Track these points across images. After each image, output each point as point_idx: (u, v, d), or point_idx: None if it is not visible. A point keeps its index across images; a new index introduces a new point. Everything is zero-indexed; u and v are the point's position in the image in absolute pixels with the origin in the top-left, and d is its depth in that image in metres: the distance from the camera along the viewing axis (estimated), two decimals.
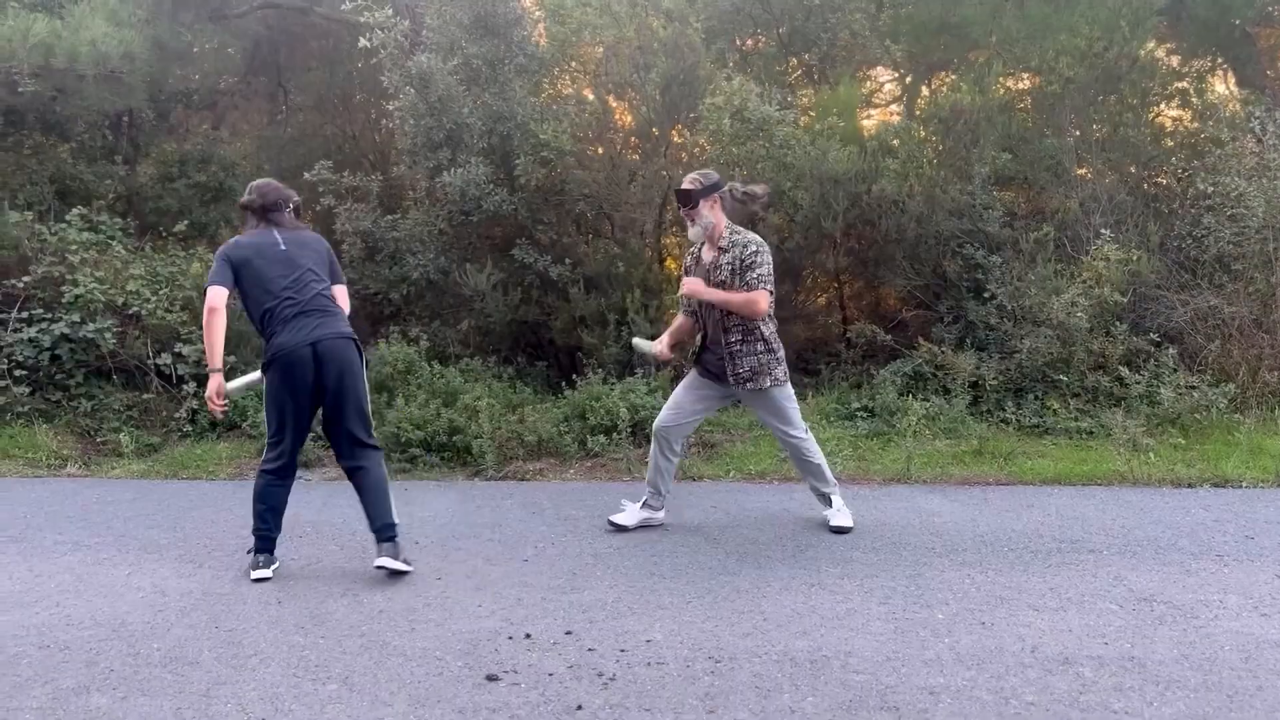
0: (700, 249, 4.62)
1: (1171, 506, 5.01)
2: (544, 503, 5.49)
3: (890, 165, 7.75)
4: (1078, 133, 8.58)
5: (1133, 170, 8.58)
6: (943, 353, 7.35)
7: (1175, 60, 10.15)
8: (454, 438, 6.53)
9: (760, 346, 4.47)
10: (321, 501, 5.62)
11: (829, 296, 9.13)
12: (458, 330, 8.14)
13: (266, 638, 3.49)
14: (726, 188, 4.56)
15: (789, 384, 4.62)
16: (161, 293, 7.70)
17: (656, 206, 8.00)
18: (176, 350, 7.54)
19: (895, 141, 8.15)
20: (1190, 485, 5.48)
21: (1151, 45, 9.28)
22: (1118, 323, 7.13)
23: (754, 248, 4.39)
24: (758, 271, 4.35)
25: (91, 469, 6.72)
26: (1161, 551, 4.26)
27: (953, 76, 9.26)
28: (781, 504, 5.33)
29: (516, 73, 8.10)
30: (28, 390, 7.39)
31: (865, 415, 7.11)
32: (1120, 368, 6.86)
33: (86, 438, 7.26)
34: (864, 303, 9.09)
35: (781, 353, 4.57)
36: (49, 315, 7.53)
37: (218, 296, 4.09)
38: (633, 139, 8.40)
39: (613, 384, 7.04)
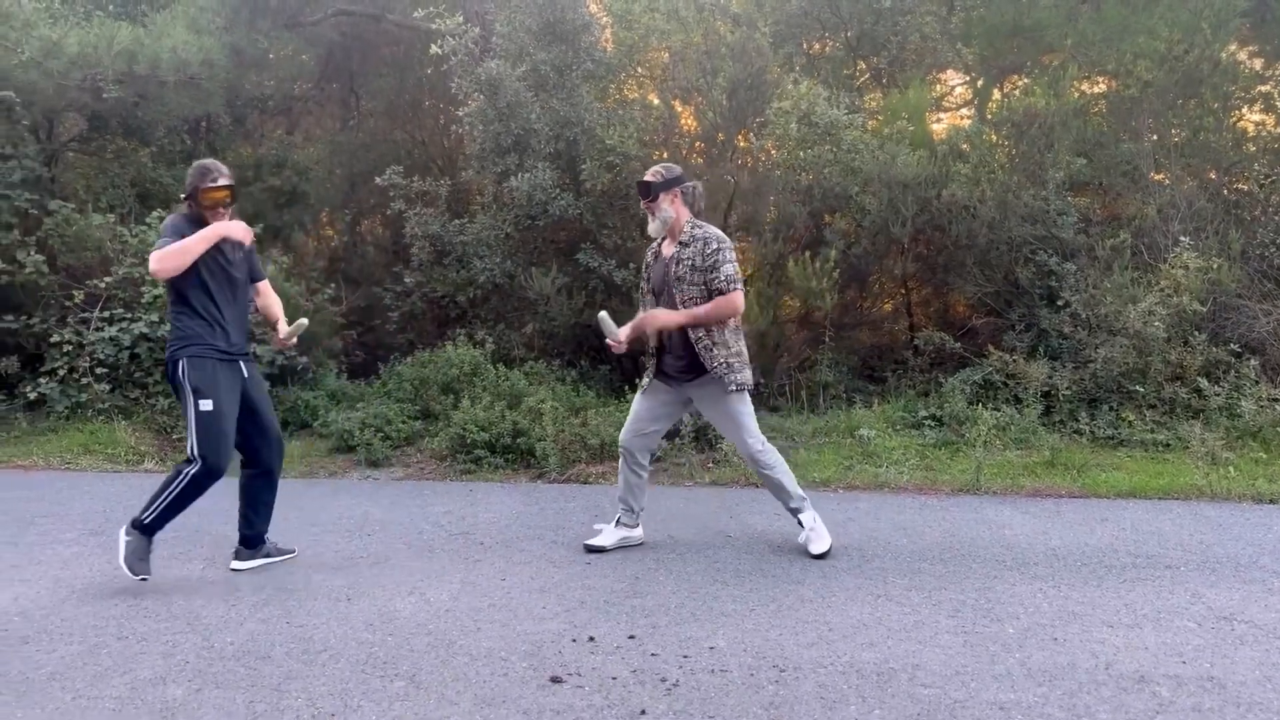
0: (660, 244, 4.48)
1: (1252, 523, 4.84)
2: (606, 506, 5.50)
3: (961, 170, 7.63)
4: (1155, 137, 8.36)
5: (1213, 176, 8.33)
6: (1014, 361, 7.21)
7: (1259, 63, 9.84)
8: (518, 440, 6.59)
9: (725, 350, 4.29)
10: (390, 501, 5.71)
11: (896, 303, 9.02)
12: (522, 333, 8.21)
13: (336, 634, 3.56)
14: (690, 184, 4.40)
15: (748, 396, 4.42)
16: None
17: (722, 211, 7.98)
18: (251, 351, 7.72)
19: (966, 146, 8.02)
20: (1272, 501, 5.30)
21: (1234, 48, 9.01)
22: (1196, 333, 6.92)
23: (715, 244, 4.22)
24: (724, 271, 4.19)
25: (167, 464, 6.91)
26: (1242, 569, 4.12)
27: (1025, 80, 9.09)
28: (846, 513, 5.27)
29: (584, 78, 8.15)
30: (108, 388, 7.64)
31: (933, 424, 7.00)
32: (1199, 379, 6.66)
33: (163, 434, 7.48)
34: (932, 309, 8.96)
35: (746, 358, 4.39)
36: (129, 315, 7.77)
37: None
38: (698, 144, 8.40)
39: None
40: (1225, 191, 8.14)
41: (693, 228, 4.31)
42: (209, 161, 4.18)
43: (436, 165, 10.40)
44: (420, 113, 11.22)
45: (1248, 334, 6.98)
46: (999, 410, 6.87)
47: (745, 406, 4.41)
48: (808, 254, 7.66)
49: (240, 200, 9.61)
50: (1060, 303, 7.40)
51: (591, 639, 3.47)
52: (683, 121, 8.21)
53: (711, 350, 4.28)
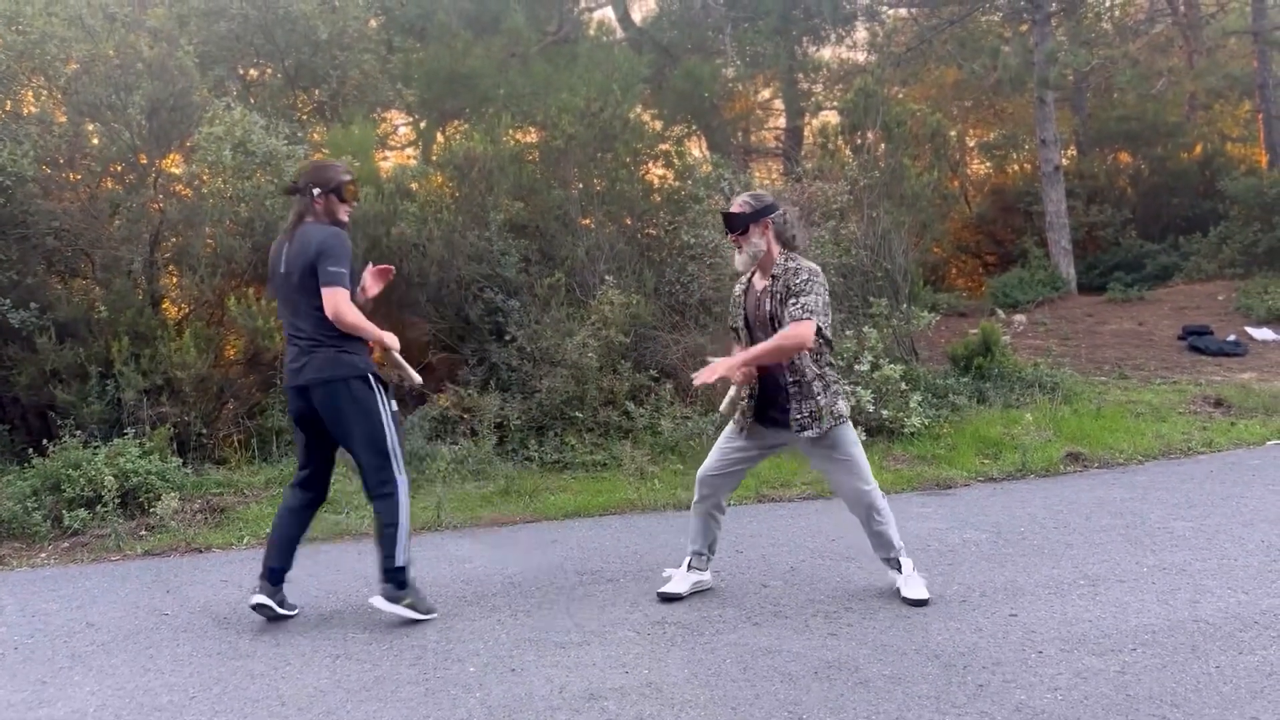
0: (752, 277, 4.13)
1: (675, 529, 5.45)
2: (4, 597, 4.52)
3: (409, 208, 7.69)
4: (580, 185, 9.22)
5: (629, 222, 9.41)
6: (469, 395, 7.40)
7: (658, 124, 11.41)
8: None
9: (817, 386, 3.98)
10: None
11: None
12: None
13: None
14: (781, 211, 4.08)
15: (851, 424, 4.14)
16: None
17: (146, 243, 7.10)
18: None
19: (414, 185, 8.12)
20: (689, 508, 6.01)
21: (639, 110, 10.33)
22: (623, 361, 7.71)
23: (805, 275, 3.90)
24: (803, 300, 3.84)
25: None
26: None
27: (466, 125, 9.50)
28: (302, 568, 4.90)
29: None
30: None
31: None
32: (627, 402, 7.41)
33: None
34: None
35: (839, 387, 4.10)
36: None
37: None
38: (115, 166, 7.40)
39: (96, 447, 6.06)
40: (639, 236, 9.24)
41: (786, 260, 3.99)
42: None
43: None
44: None
45: (663, 360, 7.95)
46: (457, 444, 6.99)
47: (854, 443, 4.08)
48: (251, 291, 7.12)
49: None
50: (508, 337, 7.78)
51: None
52: (94, 141, 7.17)
53: (811, 389, 3.96)
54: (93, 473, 5.71)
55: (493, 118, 8.90)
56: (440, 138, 10.53)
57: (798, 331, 3.81)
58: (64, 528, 5.58)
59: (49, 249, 7.20)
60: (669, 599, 4.17)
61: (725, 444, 4.29)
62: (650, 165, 10.34)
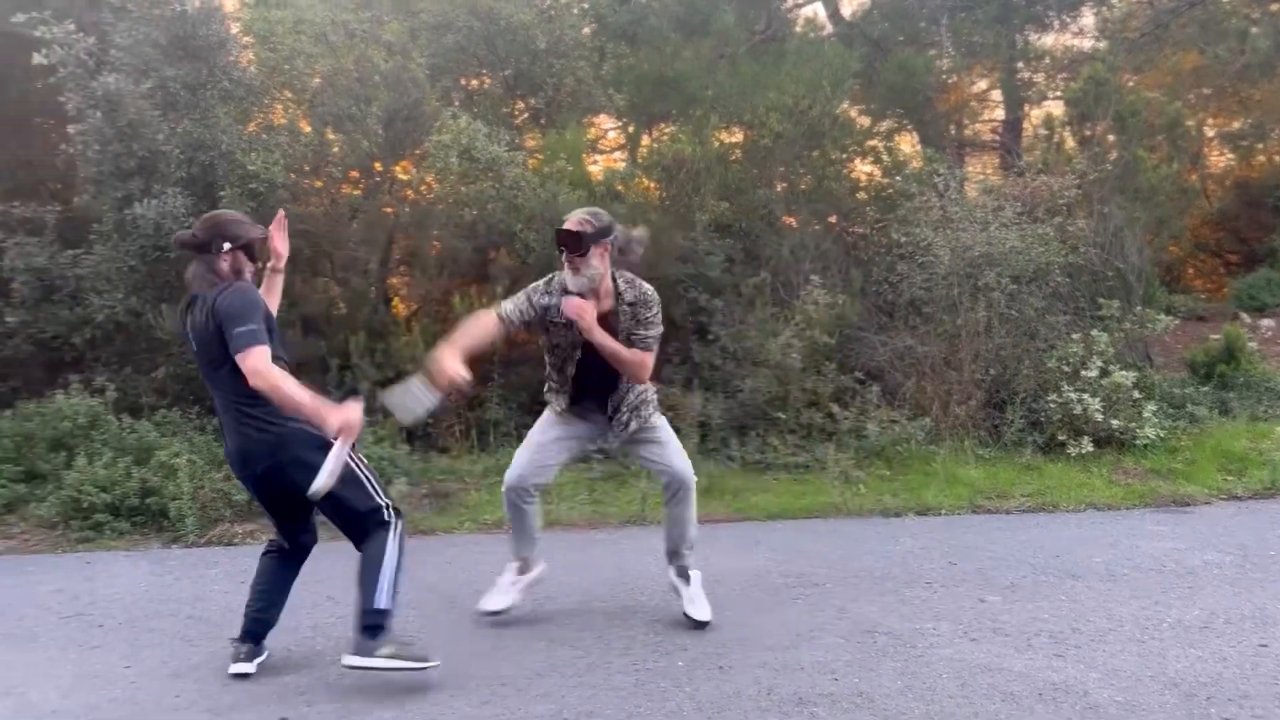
0: (586, 297, 3.83)
1: (882, 536, 5.32)
2: (254, 570, 4.97)
3: (619, 210, 7.86)
4: (785, 184, 9.14)
5: (833, 220, 9.24)
6: (671, 393, 7.50)
7: (867, 120, 11.14)
8: (147, 500, 5.81)
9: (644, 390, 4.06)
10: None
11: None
12: (152, 378, 7.30)
13: None
14: (619, 232, 3.90)
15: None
16: None
17: (381, 245, 7.64)
18: None
19: (621, 187, 8.30)
20: (897, 514, 5.87)
21: (847, 105, 10.12)
22: (827, 362, 7.58)
23: (656, 308, 3.89)
24: (654, 332, 3.88)
25: None
26: (878, 581, 4.48)
27: (672, 127, 9.61)
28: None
29: (221, 99, 7.47)
30: None
31: (600, 458, 7.09)
32: (831, 404, 7.29)
33: None
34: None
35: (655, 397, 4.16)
36: None
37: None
38: (353, 173, 7.99)
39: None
40: (846, 234, 9.06)
41: (626, 283, 3.88)
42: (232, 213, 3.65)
43: (47, 189, 9.08)
44: (26, 130, 9.77)
45: (869, 362, 7.76)
46: None
47: (666, 424, 4.17)
48: (474, 290, 7.51)
49: None
50: (711, 337, 7.83)
51: None
52: (335, 150, 7.76)
53: (640, 393, 4.01)
54: None
55: (700, 119, 8.96)
56: (646, 140, 10.72)
57: (649, 360, 3.89)
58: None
59: (294, 250, 7.85)
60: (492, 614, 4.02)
61: (542, 439, 4.10)
62: (857, 162, 10.13)
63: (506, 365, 8.15)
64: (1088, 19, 15.01)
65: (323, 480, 3.21)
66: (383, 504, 3.50)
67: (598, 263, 3.78)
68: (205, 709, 3.21)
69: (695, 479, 4.08)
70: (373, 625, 3.31)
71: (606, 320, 3.80)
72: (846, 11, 13.88)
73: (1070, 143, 9.80)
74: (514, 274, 7.97)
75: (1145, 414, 7.03)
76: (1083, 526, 5.52)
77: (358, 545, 3.48)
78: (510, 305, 3.94)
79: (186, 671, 3.55)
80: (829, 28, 13.19)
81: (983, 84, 16.58)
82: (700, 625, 3.92)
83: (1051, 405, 7.11)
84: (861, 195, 9.59)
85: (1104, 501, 6.06)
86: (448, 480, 6.70)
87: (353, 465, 3.42)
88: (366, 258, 7.66)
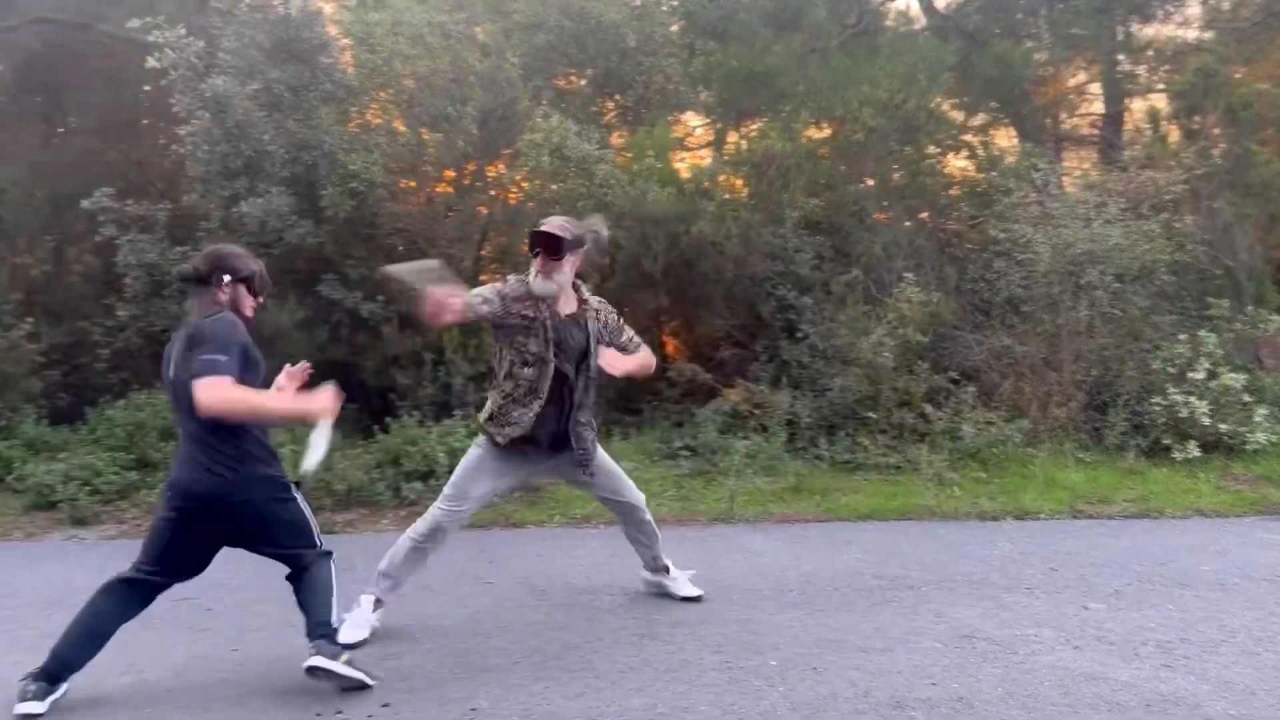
0: (550, 302, 3.81)
1: (979, 540, 5.21)
2: (355, 558, 5.08)
3: (708, 207, 7.85)
4: (872, 181, 9.00)
5: (924, 216, 9.07)
6: (759, 391, 7.46)
7: (960, 115, 10.89)
8: None
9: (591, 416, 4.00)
10: (99, 565, 5.00)
11: (648, 337, 9.11)
12: None
13: None
14: (590, 240, 3.96)
15: None
16: None
17: (475, 242, 7.76)
18: None
19: (708, 184, 8.28)
20: (994, 518, 5.74)
21: (940, 99, 9.91)
22: (920, 361, 7.45)
23: (615, 313, 4.05)
24: (628, 331, 4.02)
25: None
26: (975, 586, 4.39)
27: (761, 123, 9.55)
28: (609, 549, 5.17)
29: (322, 100, 7.69)
30: None
31: (687, 454, 7.10)
32: (924, 404, 7.16)
33: None
34: (682, 342, 9.15)
35: None
36: None
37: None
38: (448, 172, 8.14)
39: (430, 426, 6.71)
40: (940, 231, 8.89)
41: (583, 290, 3.95)
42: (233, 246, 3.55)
43: (156, 188, 9.47)
44: (137, 131, 10.20)
45: (964, 361, 7.60)
46: (747, 439, 7.07)
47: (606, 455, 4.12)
48: None
49: None
50: (799, 335, 7.76)
51: (340, 712, 3.14)
52: (431, 150, 7.91)
53: (592, 423, 3.98)
54: (427, 449, 6.33)
55: (790, 114, 8.89)
56: (734, 137, 10.67)
57: (652, 361, 4.01)
58: (402, 497, 6.21)
59: (391, 247, 8.05)
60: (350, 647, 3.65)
61: (476, 478, 3.92)
62: (950, 157, 9.92)
63: None
64: (1194, 9, 14.41)
65: (314, 460, 3.30)
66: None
67: (569, 270, 3.83)
68: (309, 693, 3.30)
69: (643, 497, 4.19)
70: (331, 636, 3.30)
71: (575, 321, 3.86)
72: (940, 4, 13.59)
73: (1175, 136, 9.44)
74: (602, 271, 8.02)
75: (1256, 418, 6.76)
76: (1189, 533, 5.33)
77: (299, 572, 3.39)
78: (479, 295, 3.79)
79: (290, 656, 3.65)
80: (922, 20, 12.94)
81: (1081, 76, 16.08)
82: (697, 599, 4.17)
83: (1156, 408, 6.87)
84: (955, 191, 9.39)
85: (1211, 508, 5.84)
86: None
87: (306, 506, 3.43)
88: (460, 255, 7.79)
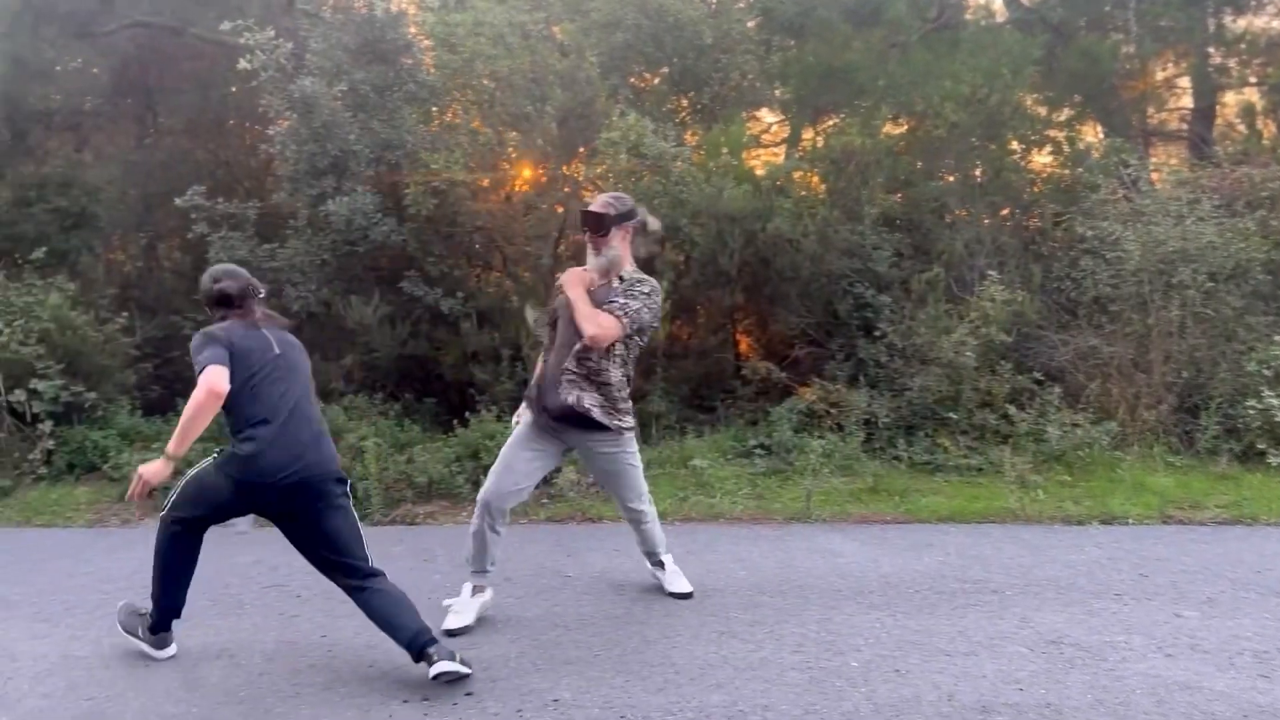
0: (603, 275, 3.92)
1: (1065, 544, 5.09)
2: (436, 549, 5.21)
3: (785, 204, 7.80)
4: (951, 176, 8.84)
5: (1005, 213, 8.88)
6: (836, 390, 7.39)
7: (1044, 109, 10.63)
8: None
9: (608, 391, 3.88)
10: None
11: (722, 335, 9.11)
12: (341, 365, 7.76)
13: (133, 707, 3.15)
14: (640, 218, 3.98)
15: (635, 443, 4.10)
16: (15, 324, 7.12)
17: (553, 240, 7.84)
18: (31, 386, 6.96)
19: (781, 181, 8.22)
20: (1080, 522, 5.59)
21: (1022, 94, 9.68)
22: (1003, 361, 7.30)
23: (649, 288, 3.87)
24: (633, 306, 3.80)
25: None
26: (1063, 591, 4.29)
27: (838, 119, 9.45)
28: (685, 546, 5.18)
29: (406, 100, 7.85)
30: None
31: (762, 453, 7.07)
32: (1007, 405, 7.01)
33: None
34: (756, 340, 9.11)
35: (630, 405, 4.01)
36: None
37: (220, 377, 3.34)
38: (526, 170, 8.24)
39: (507, 421, 6.79)
40: (1023, 228, 8.69)
41: (635, 272, 3.93)
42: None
43: (243, 187, 9.76)
44: (225, 131, 10.53)
45: (1049, 362, 7.42)
46: (823, 438, 7.00)
47: (634, 458, 4.07)
48: None
49: (22, 222, 8.74)
50: (877, 333, 7.66)
51: (426, 699, 3.21)
52: (511, 148, 8.02)
53: (585, 390, 3.82)
54: (505, 443, 6.39)
55: (869, 110, 8.79)
56: (809, 133, 10.58)
57: (610, 324, 3.74)
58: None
59: (470, 245, 8.18)
60: (454, 634, 3.82)
61: (515, 454, 4.02)
62: (1034, 152, 9.69)
63: (669, 359, 8.24)
64: None
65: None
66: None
67: (618, 244, 3.88)
68: (396, 680, 3.38)
69: (650, 509, 4.21)
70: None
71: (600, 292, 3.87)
72: None
73: (1271, 132, 9.10)
74: (678, 268, 8.03)
75: None
76: None
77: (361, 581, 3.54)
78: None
79: (378, 643, 3.74)
80: (1005, 14, 12.67)
81: (1171, 70, 15.57)
82: (686, 596, 4.20)
83: (1250, 411, 6.63)
84: (1038, 187, 9.18)
85: None
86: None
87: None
88: (537, 253, 7.88)
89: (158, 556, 3.57)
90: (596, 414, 3.85)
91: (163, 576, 3.57)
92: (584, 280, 3.89)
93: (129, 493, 3.44)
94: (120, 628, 3.69)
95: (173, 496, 3.57)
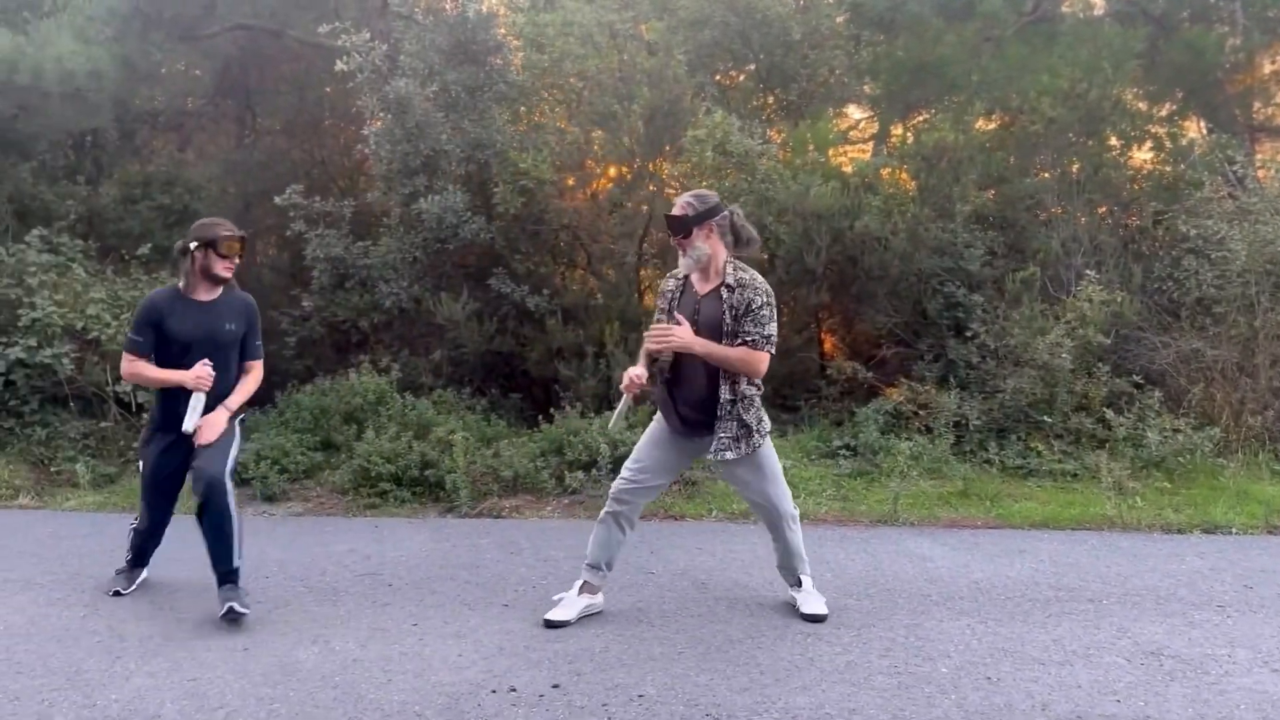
0: (690, 277, 3.92)
1: (1165, 553, 4.92)
2: (522, 542, 5.28)
3: (873, 202, 7.69)
4: (1047, 173, 8.60)
5: (1102, 211, 8.60)
6: (924, 391, 7.26)
7: (1144, 104, 10.26)
8: (426, 472, 6.30)
9: (753, 409, 3.85)
10: (288, 539, 5.36)
11: (807, 334, 9.02)
12: (430, 360, 7.93)
13: (233, 688, 3.26)
14: (725, 213, 3.89)
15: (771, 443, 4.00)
16: (123, 317, 7.43)
17: (637, 239, 7.88)
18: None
19: (869, 178, 8.10)
20: (1180, 531, 5.40)
21: (1123, 88, 9.37)
22: (1100, 364, 7.08)
23: (764, 299, 3.75)
24: (768, 330, 3.74)
25: (45, 500, 6.40)
26: (1162, 602, 4.15)
27: (929, 115, 9.28)
28: (769, 547, 5.15)
29: (496, 100, 7.97)
30: None
31: (847, 454, 6.98)
32: (1104, 409, 6.80)
33: (40, 467, 6.93)
34: (842, 339, 9.01)
35: (762, 410, 3.95)
36: (4, 339, 7.21)
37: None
38: (613, 169, 8.29)
39: (591, 418, 6.85)
40: (1123, 226, 8.41)
41: (736, 270, 3.81)
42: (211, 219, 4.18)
43: (338, 186, 10.04)
44: (321, 131, 10.84)
45: (1148, 365, 7.17)
46: (911, 440, 6.89)
47: (773, 454, 3.98)
48: None
49: (128, 219, 9.14)
50: (968, 334, 7.49)
51: (513, 689, 3.26)
52: (598, 147, 8.08)
53: (738, 409, 3.80)
54: (589, 440, 6.46)
55: (961, 106, 8.60)
56: (899, 130, 10.40)
57: (760, 360, 3.73)
58: (564, 486, 6.36)
59: (556, 243, 8.26)
60: (554, 626, 3.89)
61: (648, 453, 4.00)
62: (1135, 148, 9.36)
63: None
64: None
65: (190, 422, 4.05)
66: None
67: (703, 243, 3.82)
68: (484, 669, 3.44)
69: (795, 511, 4.04)
70: None
71: (713, 297, 3.81)
72: None
73: None
74: (763, 267, 7.98)
75: None
76: None
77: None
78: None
79: (467, 633, 3.82)
80: (1104, 6, 12.27)
81: (1279, 62, 14.89)
82: (819, 619, 3.94)
83: None
84: (1139, 184, 8.87)
85: None
86: (695, 468, 6.81)
87: None
88: (622, 251, 7.93)
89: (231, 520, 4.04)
90: (742, 448, 3.82)
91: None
92: (688, 332, 3.77)
93: None
94: (235, 610, 3.88)
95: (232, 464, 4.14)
